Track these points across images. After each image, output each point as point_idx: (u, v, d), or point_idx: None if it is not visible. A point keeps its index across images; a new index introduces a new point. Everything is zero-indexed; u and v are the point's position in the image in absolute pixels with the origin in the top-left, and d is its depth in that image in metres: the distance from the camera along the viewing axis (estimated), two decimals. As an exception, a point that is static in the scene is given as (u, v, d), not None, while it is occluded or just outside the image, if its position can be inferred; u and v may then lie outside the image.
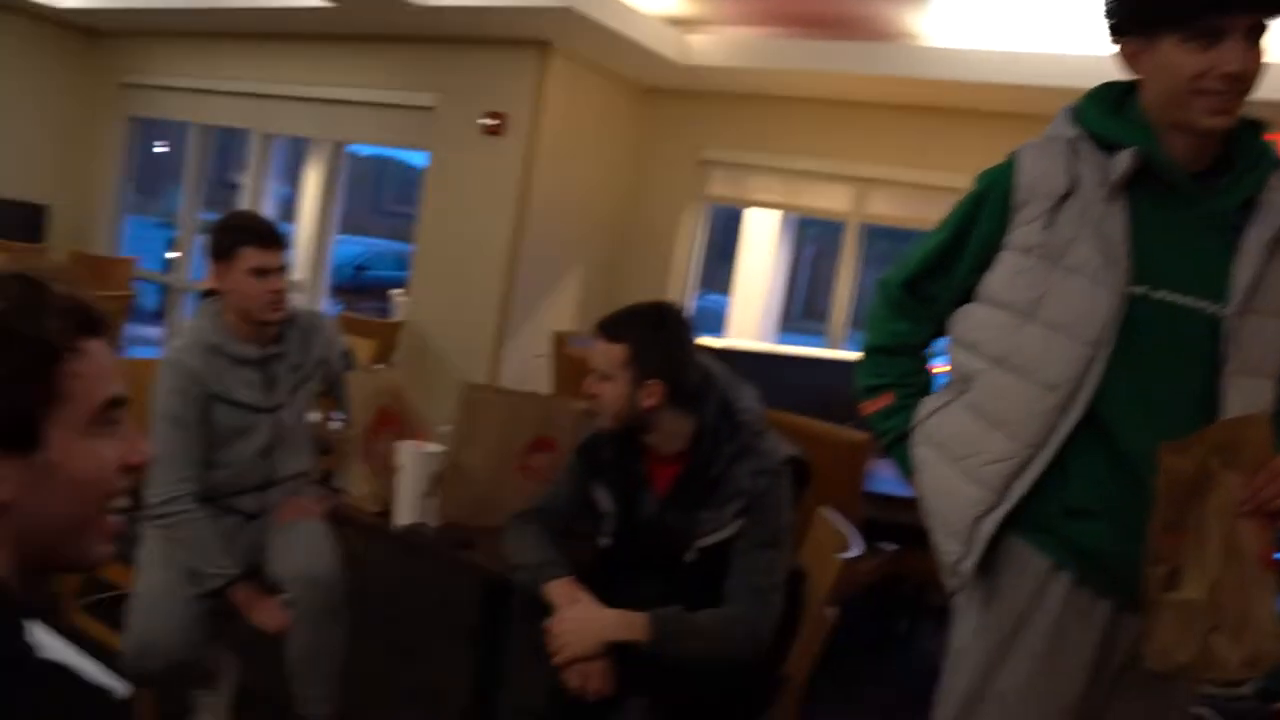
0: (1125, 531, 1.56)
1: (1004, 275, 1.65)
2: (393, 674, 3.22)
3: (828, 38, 4.97)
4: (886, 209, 5.49)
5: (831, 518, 2.41)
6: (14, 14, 7.24)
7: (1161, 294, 1.57)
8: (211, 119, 7.19)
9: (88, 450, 0.89)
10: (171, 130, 7.83)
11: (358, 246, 13.06)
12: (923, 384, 1.83)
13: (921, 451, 1.76)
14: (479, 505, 2.38)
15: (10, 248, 6.02)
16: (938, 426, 1.73)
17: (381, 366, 5.54)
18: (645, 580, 2.16)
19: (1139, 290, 1.56)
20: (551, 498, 2.23)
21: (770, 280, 6.71)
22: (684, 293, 6.07)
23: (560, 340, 5.23)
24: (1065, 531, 1.60)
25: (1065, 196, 1.60)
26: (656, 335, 2.13)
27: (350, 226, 15.06)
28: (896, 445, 1.81)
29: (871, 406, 1.84)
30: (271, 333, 2.55)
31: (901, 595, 4.14)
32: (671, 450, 2.12)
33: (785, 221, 6.53)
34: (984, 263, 1.69)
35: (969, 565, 1.65)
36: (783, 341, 7.13)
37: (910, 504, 1.85)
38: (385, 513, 2.37)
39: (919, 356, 1.84)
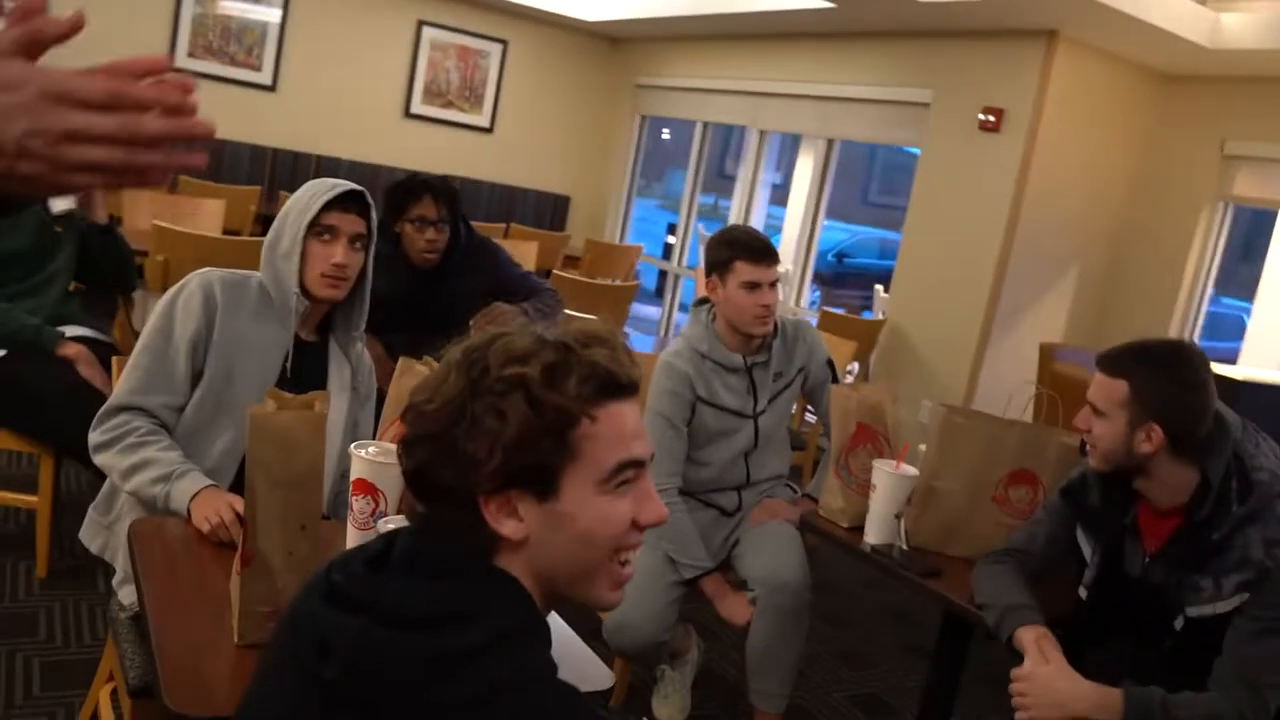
0: None
1: None
2: (842, 678, 3.26)
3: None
4: None
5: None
6: (553, 27, 8.15)
7: None
8: (714, 117, 7.62)
9: (599, 506, 0.96)
10: (674, 119, 8.41)
11: (841, 234, 13.13)
12: None
13: None
14: (950, 533, 2.31)
15: (538, 235, 6.81)
16: None
17: (853, 371, 5.59)
18: (1121, 642, 1.99)
19: None
20: (1029, 537, 2.12)
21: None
22: (1195, 302, 5.46)
23: (1047, 353, 4.91)
24: None
25: None
26: (1164, 375, 1.92)
27: (834, 212, 15.25)
28: None
29: None
30: (758, 342, 2.66)
31: None
32: (1169, 504, 1.92)
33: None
34: None
35: None
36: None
37: None
38: (856, 528, 2.38)
39: None
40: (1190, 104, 5.43)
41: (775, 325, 2.67)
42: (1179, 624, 1.88)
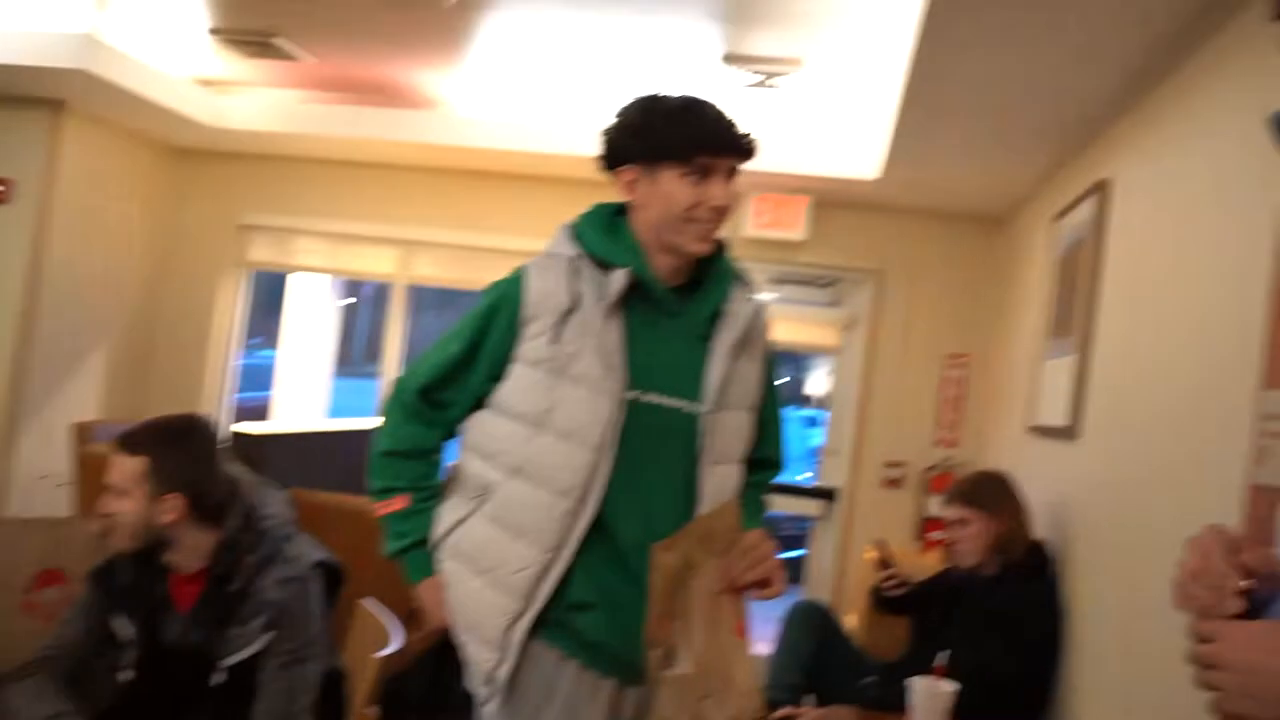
0: (621, 619, 1.74)
1: (516, 388, 1.78)
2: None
3: (363, 103, 5.01)
4: (432, 270, 5.62)
5: (373, 610, 2.43)
6: None
7: (652, 397, 1.78)
8: None
9: None
10: None
11: None
12: (436, 488, 1.90)
13: (449, 566, 1.83)
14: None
15: None
16: (461, 539, 1.82)
17: None
18: (174, 711, 2.06)
19: (633, 394, 1.76)
20: (60, 638, 2.08)
21: (321, 332, 6.62)
22: (225, 360, 5.79)
23: (83, 432, 4.71)
24: (570, 624, 1.76)
25: (568, 312, 1.76)
26: (177, 448, 2.07)
27: None
28: (413, 550, 1.86)
29: (386, 508, 1.87)
30: None
31: (459, 659, 4.23)
32: (194, 567, 2.06)
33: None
34: (496, 373, 1.81)
35: (505, 671, 1.75)
36: (341, 385, 7.05)
37: None
38: None
39: (432, 460, 1.91)
40: (205, 177, 5.74)
41: None
42: (220, 678, 2.00)
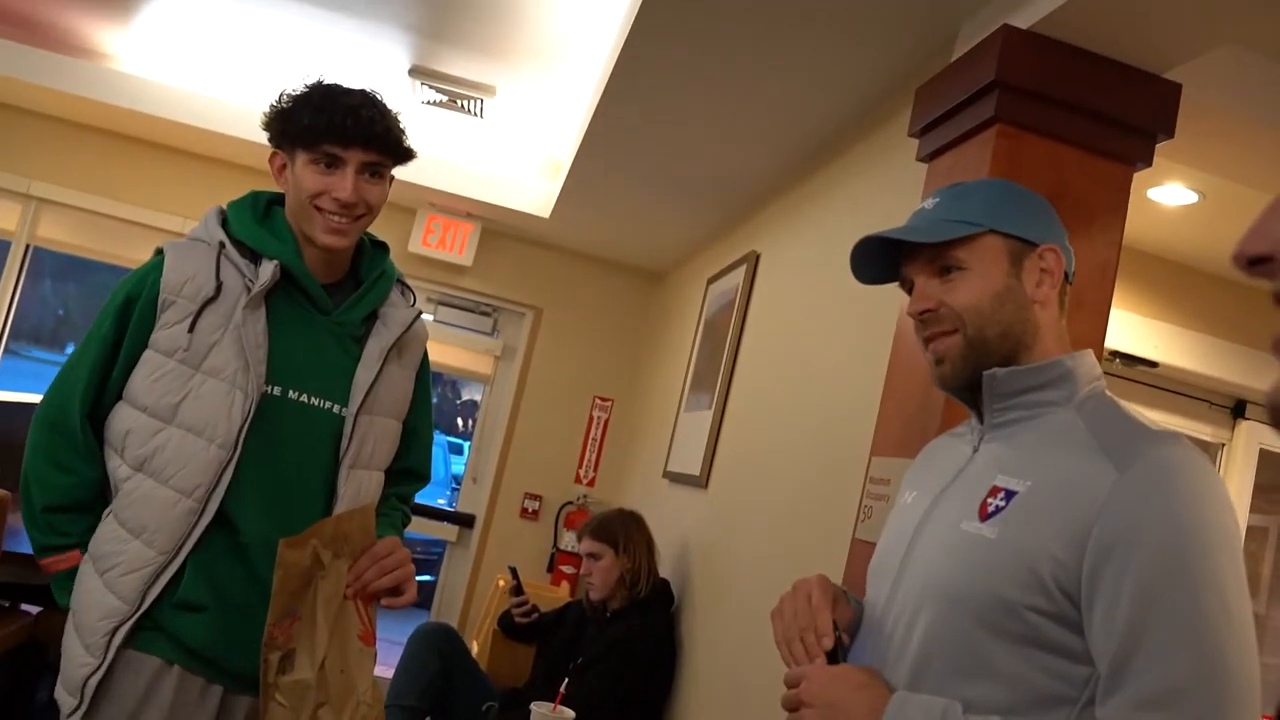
0: (232, 621, 1.65)
1: (145, 377, 1.65)
2: None
3: (11, 38, 4.45)
4: (60, 234, 5.07)
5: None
6: None
7: (294, 394, 1.70)
8: None
9: None
10: None
11: None
12: None
13: (83, 567, 1.68)
14: None
15: None
16: (96, 539, 1.67)
17: None
18: None
19: (273, 391, 1.68)
20: None
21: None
22: None
23: None
24: (173, 626, 1.64)
25: (210, 300, 1.65)
26: None
27: None
28: None
29: (57, 565, 1.69)
30: None
31: (45, 660, 3.84)
32: None
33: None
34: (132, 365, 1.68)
35: (95, 681, 1.61)
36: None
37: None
38: None
39: (98, 506, 1.71)
40: None
41: None
42: None
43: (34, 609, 3.53)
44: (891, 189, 2.34)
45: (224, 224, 1.74)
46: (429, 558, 5.66)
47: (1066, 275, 1.27)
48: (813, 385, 2.56)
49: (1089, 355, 1.24)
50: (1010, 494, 1.14)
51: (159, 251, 1.71)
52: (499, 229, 5.13)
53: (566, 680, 2.54)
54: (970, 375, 1.24)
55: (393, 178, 1.79)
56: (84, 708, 1.61)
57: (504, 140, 4.52)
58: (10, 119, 4.94)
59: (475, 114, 4.14)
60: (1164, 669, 1.00)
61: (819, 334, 2.61)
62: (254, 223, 1.74)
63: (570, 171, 3.82)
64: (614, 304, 5.36)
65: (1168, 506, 1.04)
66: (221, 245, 1.70)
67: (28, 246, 5.05)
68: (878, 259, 1.34)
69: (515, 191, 4.71)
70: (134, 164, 4.98)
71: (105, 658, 1.61)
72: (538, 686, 2.97)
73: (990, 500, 1.16)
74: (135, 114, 4.54)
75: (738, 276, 3.48)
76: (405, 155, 1.77)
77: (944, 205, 1.28)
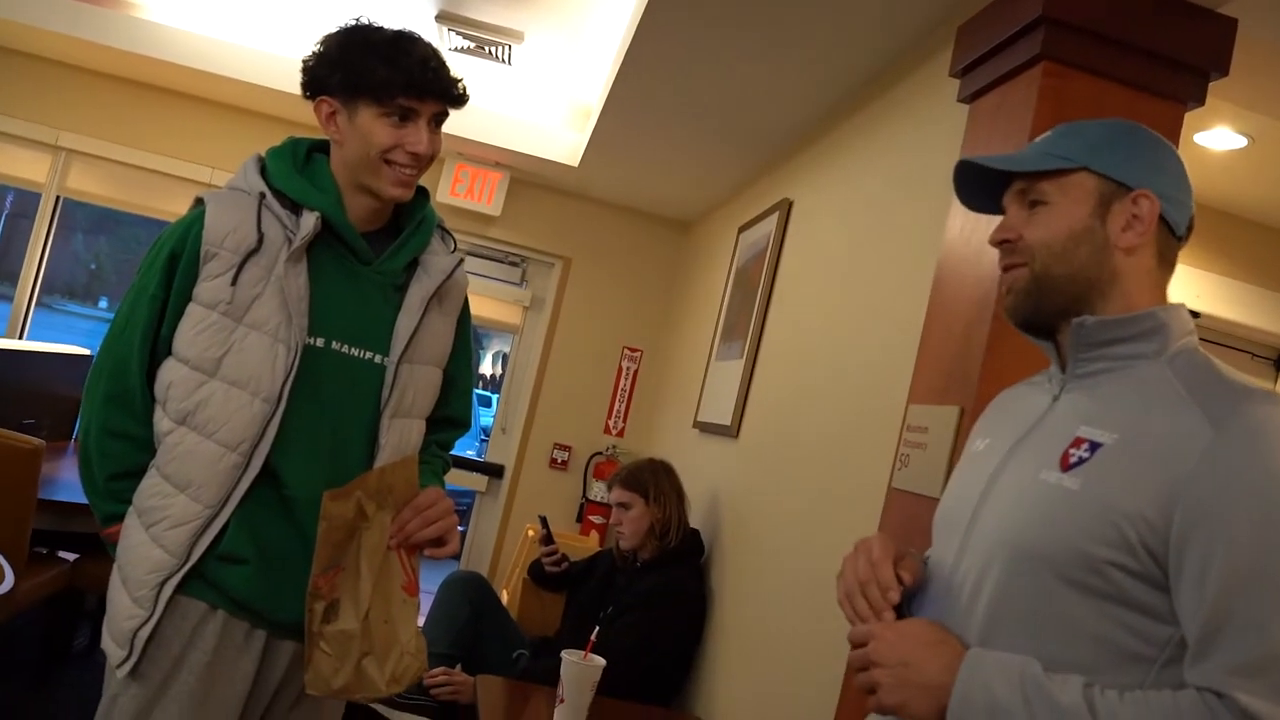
0: (275, 575, 1.65)
1: (189, 330, 1.64)
2: None
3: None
4: (90, 185, 5.07)
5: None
6: None
7: (336, 345, 1.68)
8: None
9: None
10: None
11: None
12: None
13: (126, 523, 1.68)
14: None
15: None
16: (140, 492, 1.67)
17: None
18: None
19: (316, 342, 1.66)
20: None
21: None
22: None
23: None
24: (216, 577, 1.64)
25: (252, 252, 1.63)
26: None
27: None
28: None
29: (116, 535, 1.69)
30: None
31: (82, 607, 3.89)
32: None
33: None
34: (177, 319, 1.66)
35: (145, 633, 1.61)
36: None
37: (88, 510, 1.73)
38: None
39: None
40: None
41: None
42: None
43: (71, 556, 3.57)
44: (931, 132, 2.28)
45: (263, 173, 1.71)
46: (459, 508, 5.67)
47: (1171, 227, 1.19)
48: (847, 333, 2.52)
49: (1182, 309, 1.18)
50: (1095, 445, 1.09)
51: (199, 201, 1.69)
52: (528, 178, 5.09)
53: (596, 629, 2.53)
54: (1032, 312, 1.21)
55: None
56: (134, 659, 1.61)
57: (532, 88, 4.47)
58: (37, 69, 4.92)
59: (503, 61, 4.08)
60: (1260, 636, 0.96)
61: (854, 281, 2.57)
62: (294, 172, 1.71)
63: (599, 119, 3.76)
64: (643, 253, 5.32)
65: (1266, 470, 0.99)
66: (262, 196, 1.67)
67: (58, 198, 5.05)
68: (979, 187, 1.28)
69: (544, 140, 4.65)
70: (161, 114, 4.96)
71: (154, 610, 1.61)
72: (568, 635, 2.98)
73: (1073, 451, 1.11)
74: (160, 62, 4.51)
75: (770, 224, 3.43)
76: (461, 105, 1.75)
77: (1051, 139, 1.24)
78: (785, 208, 3.31)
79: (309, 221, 1.65)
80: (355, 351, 1.70)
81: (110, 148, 4.95)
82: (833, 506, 2.33)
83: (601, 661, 2.39)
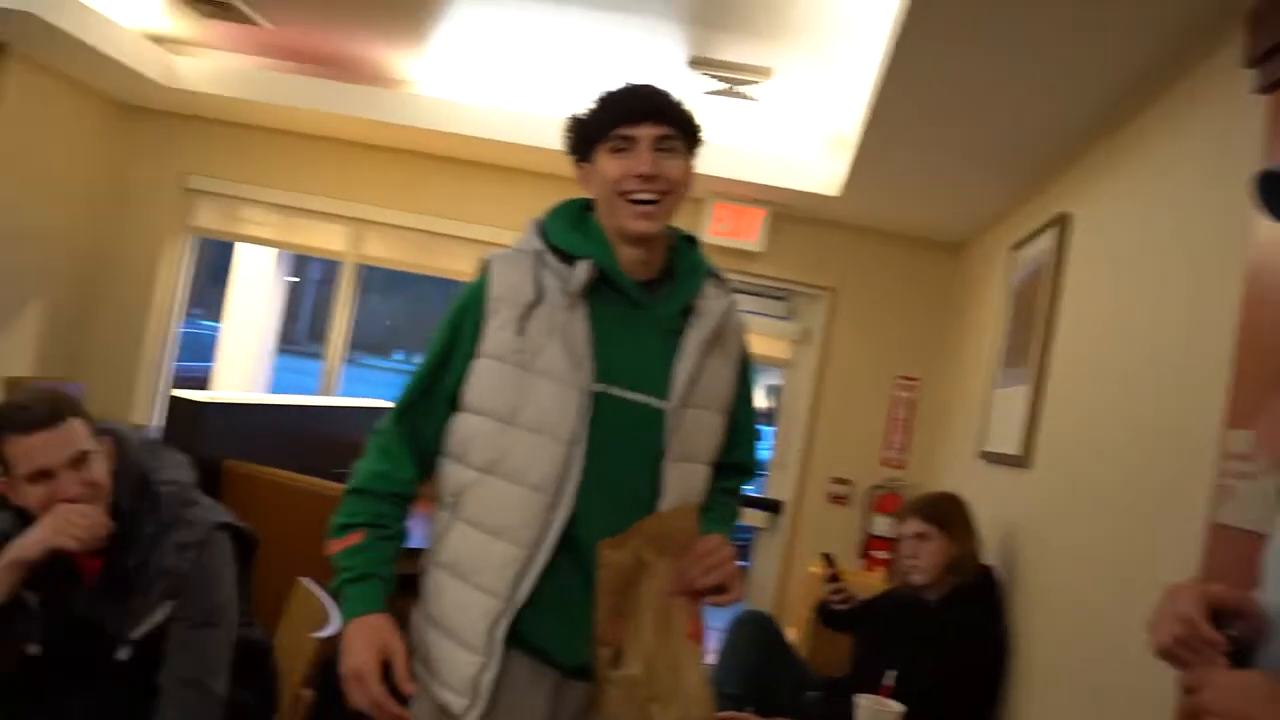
0: (565, 619, 1.69)
1: (482, 384, 1.72)
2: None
3: (322, 75, 4.90)
4: (382, 251, 5.52)
5: (311, 589, 2.36)
6: None
7: (616, 390, 1.73)
8: None
9: None
10: None
11: None
12: (398, 531, 1.79)
13: (434, 577, 1.76)
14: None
15: None
16: (444, 549, 1.75)
17: None
18: (78, 689, 1.98)
19: (599, 388, 1.71)
20: None
21: (266, 307, 6.50)
22: (167, 326, 5.66)
23: (14, 389, 4.60)
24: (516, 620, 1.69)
25: (533, 305, 1.71)
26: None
27: None
28: (353, 583, 1.72)
29: (339, 545, 1.74)
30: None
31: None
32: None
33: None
34: (461, 373, 1.75)
35: (490, 676, 1.67)
36: (283, 364, 6.94)
37: (410, 554, 1.82)
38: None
39: (397, 500, 1.79)
40: (152, 136, 5.58)
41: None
42: (124, 654, 1.92)
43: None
44: (1221, 129, 2.09)
45: (541, 233, 1.80)
46: (739, 543, 5.69)
47: None
48: (1144, 353, 2.33)
49: None
50: None
51: (485, 263, 1.80)
52: (789, 211, 5.08)
53: (893, 672, 2.43)
54: None
55: (691, 162, 1.79)
56: (481, 703, 1.67)
57: (785, 122, 4.46)
58: (332, 150, 5.43)
59: (754, 99, 4.11)
60: None
61: (1145, 296, 2.38)
62: (569, 228, 1.79)
63: (859, 147, 3.70)
64: (912, 279, 5.17)
65: None
66: (539, 253, 1.76)
67: (356, 266, 5.53)
68: None
69: (802, 172, 4.63)
70: (442, 180, 5.35)
71: (492, 654, 1.67)
72: (858, 676, 2.89)
73: None
74: (437, 133, 4.87)
75: (1047, 240, 3.25)
76: (693, 129, 1.78)
77: None
78: (1062, 222, 3.13)
79: (582, 269, 1.72)
80: (636, 396, 1.73)
81: (399, 215, 5.39)
82: (1140, 541, 2.15)
83: (899, 707, 2.30)
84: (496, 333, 1.72)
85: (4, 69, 4.77)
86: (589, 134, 1.76)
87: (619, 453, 1.72)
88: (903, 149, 3.64)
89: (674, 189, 1.74)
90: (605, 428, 1.70)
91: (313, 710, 2.10)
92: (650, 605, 1.69)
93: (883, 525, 4.77)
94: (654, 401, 1.74)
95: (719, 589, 1.71)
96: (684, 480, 1.76)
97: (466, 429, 1.75)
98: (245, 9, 4.21)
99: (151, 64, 4.89)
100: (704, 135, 1.80)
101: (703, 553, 1.70)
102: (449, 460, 1.78)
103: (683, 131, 1.75)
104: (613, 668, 1.68)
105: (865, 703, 2.29)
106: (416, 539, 1.83)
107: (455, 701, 1.69)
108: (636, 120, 1.71)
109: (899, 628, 3.05)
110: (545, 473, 1.68)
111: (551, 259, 1.76)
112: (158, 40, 4.91)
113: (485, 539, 1.70)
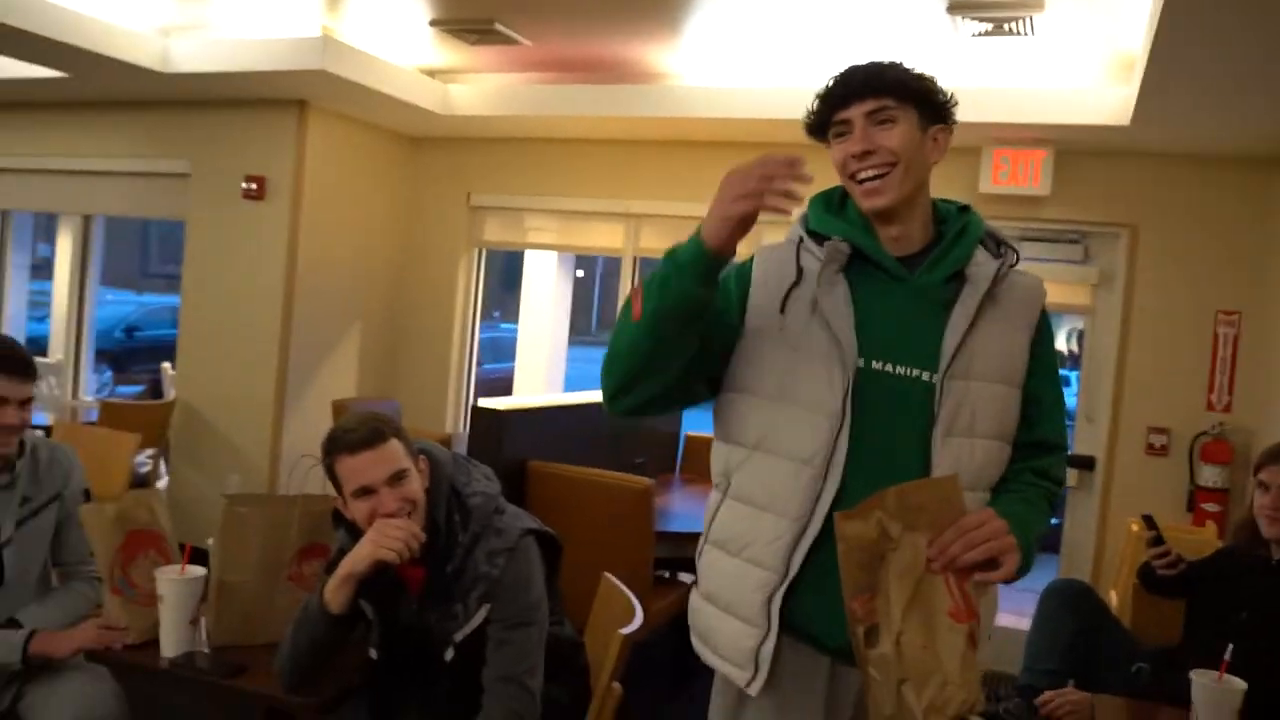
0: (824, 595, 1.64)
1: (746, 362, 1.74)
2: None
3: (585, 81, 5.06)
4: (659, 242, 5.63)
5: (616, 585, 2.44)
6: None
7: (881, 365, 1.68)
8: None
9: None
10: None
11: (128, 306, 12.30)
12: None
13: (708, 556, 1.79)
14: (250, 624, 2.30)
15: None
16: (716, 527, 1.78)
17: (145, 466, 5.29)
18: (411, 688, 2.16)
19: (863, 364, 1.68)
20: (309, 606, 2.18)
21: (556, 304, 6.83)
22: (468, 334, 6.09)
23: (341, 411, 5.07)
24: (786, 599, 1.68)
25: (794, 285, 1.72)
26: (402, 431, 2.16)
27: (123, 283, 14.11)
28: (670, 255, 1.74)
29: (636, 297, 1.71)
30: None
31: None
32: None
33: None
34: (728, 337, 1.76)
35: (770, 646, 1.68)
36: (575, 354, 7.26)
37: (686, 538, 1.85)
38: (148, 644, 2.25)
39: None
40: (437, 162, 6.01)
41: (22, 444, 2.44)
42: (449, 655, 2.08)
43: (689, 578, 3.92)
44: None
45: (802, 219, 1.83)
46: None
47: None
48: None
49: None
50: None
51: (752, 255, 1.83)
52: (1073, 149, 4.73)
53: (1231, 646, 2.19)
54: None
55: (921, 126, 1.72)
56: (762, 674, 1.68)
57: (1060, 54, 4.15)
58: (603, 152, 5.61)
59: (1026, 33, 3.84)
60: None
61: None
62: (826, 213, 1.80)
63: (1147, 64, 3.36)
64: (1221, 203, 4.68)
65: None
66: (800, 239, 1.79)
67: (635, 259, 5.68)
68: None
69: (1085, 105, 4.30)
70: (711, 167, 5.28)
71: (770, 625, 1.67)
72: (1193, 648, 2.64)
73: None
74: (701, 120, 4.92)
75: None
76: (917, 92, 1.71)
77: None
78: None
79: (836, 247, 1.72)
80: (903, 370, 1.68)
81: (672, 205, 5.48)
82: None
83: (1241, 685, 2.08)
84: (759, 314, 1.73)
85: (306, 121, 5.28)
86: (815, 128, 1.78)
87: (887, 428, 1.68)
88: (1201, 53, 3.25)
89: (897, 159, 1.69)
90: (872, 403, 1.67)
91: (622, 705, 2.17)
92: (899, 581, 1.61)
93: (1211, 475, 4.35)
94: (921, 374, 1.68)
95: (989, 564, 1.60)
96: (959, 455, 1.67)
97: (735, 409, 1.76)
98: (506, 31, 4.42)
99: (429, 96, 5.25)
100: (930, 83, 1.74)
101: (966, 526, 1.59)
102: (717, 443, 1.81)
103: (901, 98, 1.70)
104: (868, 646, 1.61)
105: (1203, 679, 2.08)
106: (688, 521, 1.85)
107: (738, 674, 1.71)
108: (846, 102, 1.71)
109: (1239, 592, 2.75)
110: (812, 447, 1.66)
111: (810, 243, 1.77)
112: (431, 74, 5.27)
113: (754, 513, 1.71)
